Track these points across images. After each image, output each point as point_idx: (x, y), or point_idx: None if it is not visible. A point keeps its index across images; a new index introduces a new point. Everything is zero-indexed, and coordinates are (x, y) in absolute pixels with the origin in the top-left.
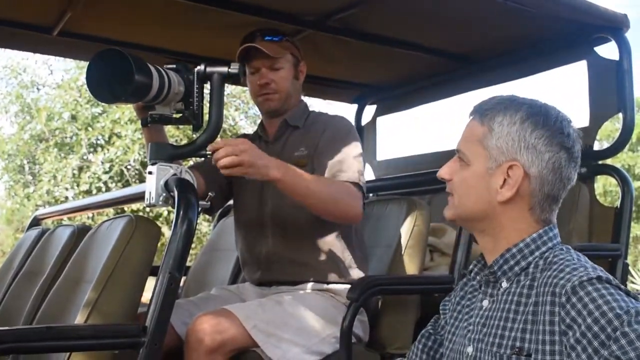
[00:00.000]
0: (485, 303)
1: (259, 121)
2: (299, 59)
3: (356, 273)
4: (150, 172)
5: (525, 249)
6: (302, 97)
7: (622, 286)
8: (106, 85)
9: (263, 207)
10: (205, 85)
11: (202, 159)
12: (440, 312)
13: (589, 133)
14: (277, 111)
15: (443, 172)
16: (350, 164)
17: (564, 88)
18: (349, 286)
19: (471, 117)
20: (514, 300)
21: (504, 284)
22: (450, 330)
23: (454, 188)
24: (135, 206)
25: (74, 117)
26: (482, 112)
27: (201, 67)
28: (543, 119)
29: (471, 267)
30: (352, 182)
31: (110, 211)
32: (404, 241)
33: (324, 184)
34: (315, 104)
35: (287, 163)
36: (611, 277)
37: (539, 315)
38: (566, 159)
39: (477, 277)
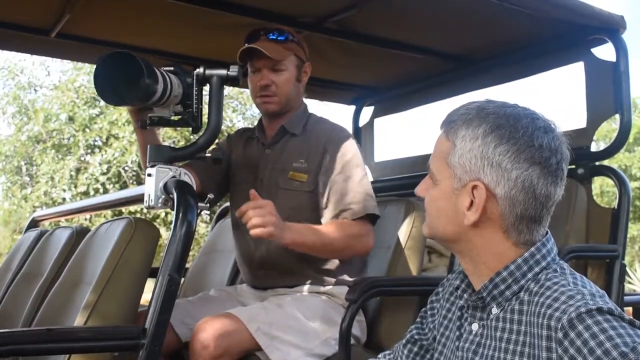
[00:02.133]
0: (475, 327)
1: (256, 122)
2: (304, 60)
3: (354, 275)
4: (149, 174)
5: (517, 272)
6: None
7: (626, 316)
8: (113, 87)
9: None
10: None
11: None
12: (428, 309)
13: (586, 134)
14: (275, 113)
15: (418, 190)
16: (355, 193)
17: (561, 89)
18: (346, 288)
19: (441, 130)
20: (506, 328)
21: (494, 310)
22: (440, 341)
23: (426, 207)
24: (132, 207)
25: (71, 119)
26: (447, 123)
27: (200, 70)
28: (509, 131)
29: (458, 282)
30: (360, 217)
31: (108, 213)
32: (402, 242)
33: (331, 235)
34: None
35: (295, 224)
36: (613, 307)
37: (535, 350)
38: (539, 175)
39: (465, 296)
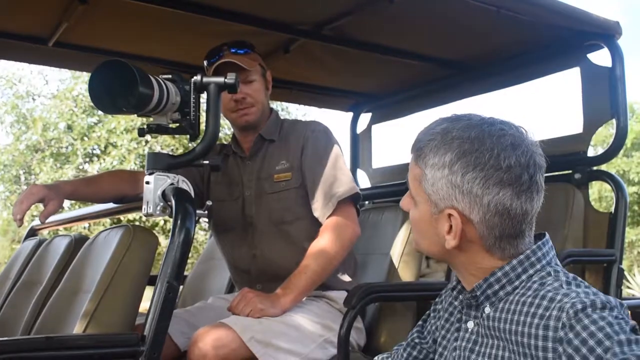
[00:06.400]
0: (471, 325)
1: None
2: (265, 69)
3: (348, 278)
4: (147, 182)
5: (511, 273)
6: (297, 106)
7: (626, 310)
8: (108, 96)
9: (247, 226)
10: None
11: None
12: (431, 312)
13: (583, 139)
14: (253, 125)
15: (402, 203)
16: (339, 177)
17: (558, 95)
18: (343, 292)
19: (411, 153)
20: (499, 327)
21: (487, 309)
22: (441, 343)
23: (411, 223)
24: (131, 215)
25: (69, 127)
26: (416, 149)
27: (198, 78)
28: (475, 157)
29: (454, 283)
30: (345, 197)
31: (107, 221)
32: (400, 248)
33: (321, 257)
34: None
35: (280, 288)
36: (606, 300)
37: (532, 350)
38: (511, 196)
39: (460, 296)
